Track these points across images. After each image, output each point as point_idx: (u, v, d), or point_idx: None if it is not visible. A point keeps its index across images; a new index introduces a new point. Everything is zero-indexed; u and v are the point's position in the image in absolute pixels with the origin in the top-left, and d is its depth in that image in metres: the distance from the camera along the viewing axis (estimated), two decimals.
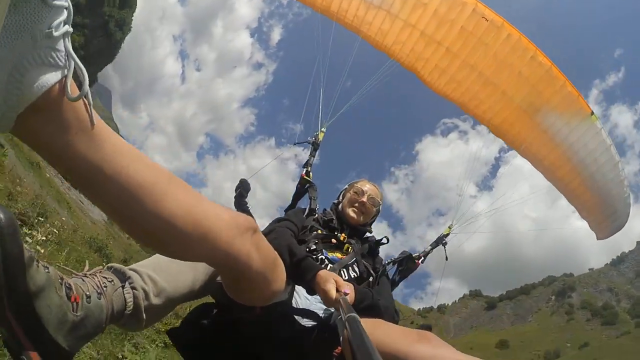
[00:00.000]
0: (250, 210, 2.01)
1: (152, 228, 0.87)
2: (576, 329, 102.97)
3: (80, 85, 0.71)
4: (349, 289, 1.28)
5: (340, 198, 2.42)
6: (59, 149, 0.72)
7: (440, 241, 2.96)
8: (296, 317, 1.48)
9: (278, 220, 2.07)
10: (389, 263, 2.32)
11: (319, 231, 2.11)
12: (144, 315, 1.15)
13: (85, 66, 0.72)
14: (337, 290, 1.25)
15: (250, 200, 2.01)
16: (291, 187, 2.91)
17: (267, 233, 1.77)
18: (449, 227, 3.12)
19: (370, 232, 2.38)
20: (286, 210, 2.53)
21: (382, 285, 1.97)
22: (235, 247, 1.02)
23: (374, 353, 0.77)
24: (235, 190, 2.05)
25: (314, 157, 3.02)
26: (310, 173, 2.86)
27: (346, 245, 2.07)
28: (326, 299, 1.27)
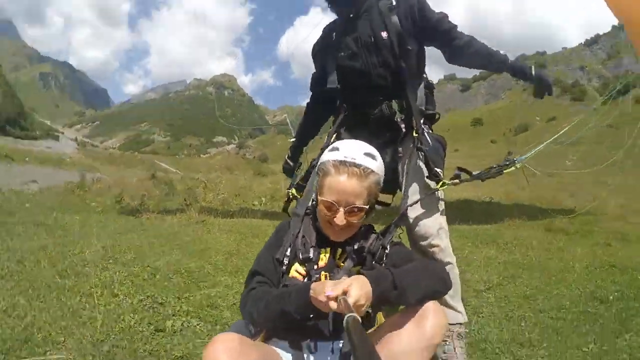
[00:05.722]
0: None
1: None
2: (546, 105, 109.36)
3: None
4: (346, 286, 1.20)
5: (316, 194, 1.56)
6: None
7: None
8: None
9: (252, 275, 1.52)
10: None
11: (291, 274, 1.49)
12: None
13: None
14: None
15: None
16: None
17: (244, 305, 1.45)
18: None
19: (371, 234, 1.59)
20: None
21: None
22: None
23: (373, 353, 0.79)
24: None
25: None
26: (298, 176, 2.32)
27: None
28: (325, 308, 1.21)
